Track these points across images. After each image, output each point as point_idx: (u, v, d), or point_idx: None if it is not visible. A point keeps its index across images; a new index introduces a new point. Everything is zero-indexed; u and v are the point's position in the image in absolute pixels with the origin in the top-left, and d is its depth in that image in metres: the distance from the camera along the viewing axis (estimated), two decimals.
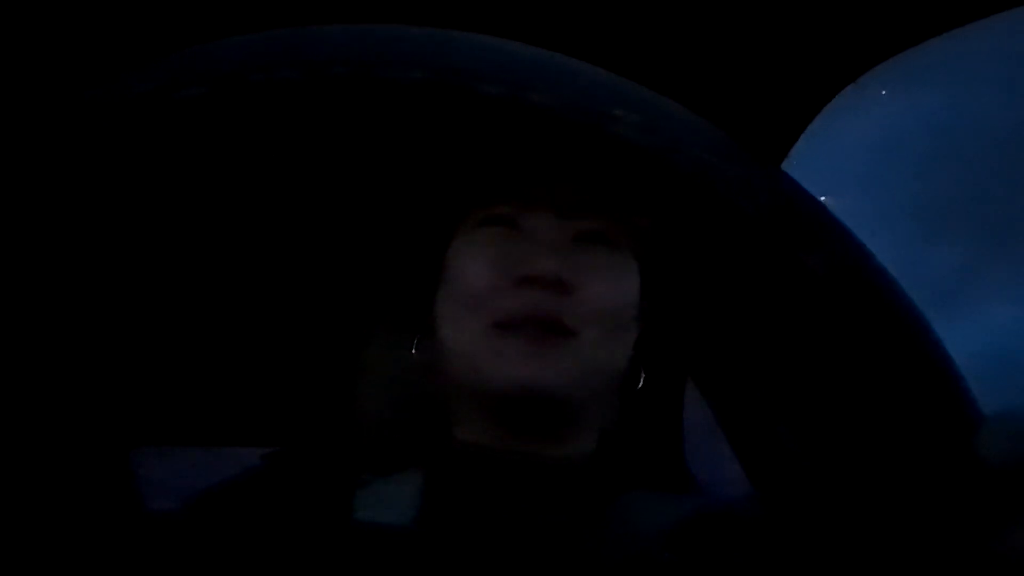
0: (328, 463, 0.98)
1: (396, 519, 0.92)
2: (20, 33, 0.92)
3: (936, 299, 0.94)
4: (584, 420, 0.98)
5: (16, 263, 0.89)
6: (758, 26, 1.08)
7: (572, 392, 0.94)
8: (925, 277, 0.95)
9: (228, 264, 1.13)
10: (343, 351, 1.12)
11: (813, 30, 1.08)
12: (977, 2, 1.08)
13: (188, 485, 0.98)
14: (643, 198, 0.99)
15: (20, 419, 0.94)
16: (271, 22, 0.88)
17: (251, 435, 1.19)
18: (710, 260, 1.04)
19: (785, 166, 1.13)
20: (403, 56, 0.85)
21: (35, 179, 0.85)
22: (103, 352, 1.05)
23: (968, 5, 1.08)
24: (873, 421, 0.91)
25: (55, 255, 0.91)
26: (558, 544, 0.90)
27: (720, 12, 1.10)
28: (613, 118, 0.90)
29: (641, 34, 1.09)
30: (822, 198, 0.99)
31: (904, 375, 0.91)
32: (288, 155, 0.99)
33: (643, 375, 1.02)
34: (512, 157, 0.97)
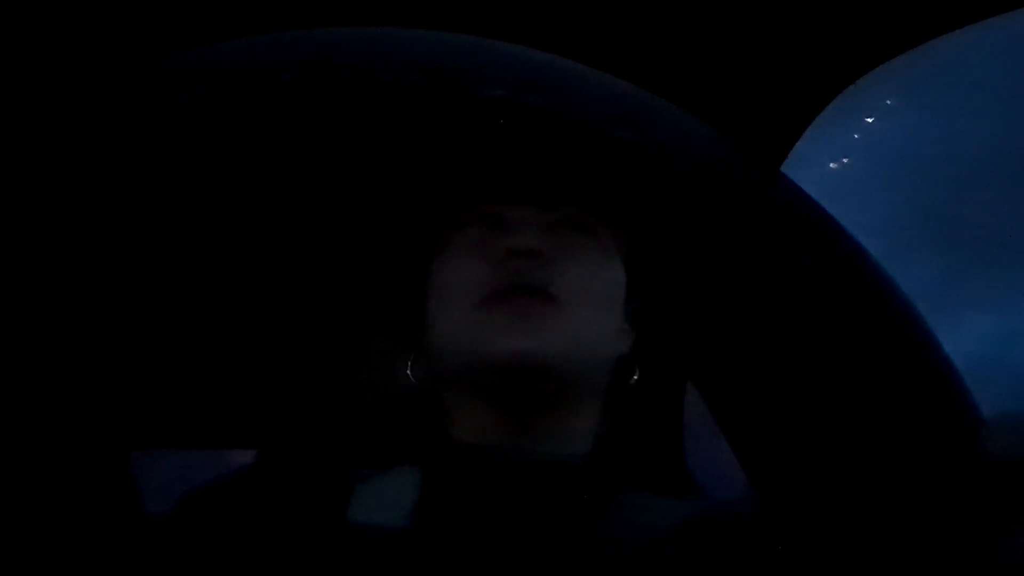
0: (325, 459, 0.98)
1: (393, 515, 0.93)
2: (21, 35, 0.92)
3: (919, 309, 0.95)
4: (576, 399, 0.99)
5: (16, 264, 0.89)
6: (758, 29, 1.08)
7: (561, 362, 0.96)
8: (907, 287, 0.96)
9: (226, 266, 1.14)
10: (341, 352, 1.13)
11: (813, 31, 1.08)
12: (979, 3, 1.08)
13: (187, 487, 0.98)
14: (640, 199, 0.99)
15: (19, 421, 0.94)
16: (270, 25, 0.88)
17: (251, 438, 1.19)
18: (710, 262, 1.04)
19: (784, 168, 1.13)
20: (401, 58, 0.86)
21: (37, 180, 0.86)
22: (102, 355, 1.06)
23: (970, 6, 1.08)
24: (872, 420, 0.91)
25: (55, 256, 0.92)
26: (556, 543, 0.90)
27: (724, 17, 1.10)
28: (614, 120, 0.91)
29: (643, 38, 1.09)
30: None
31: (902, 374, 0.92)
32: (289, 157, 0.99)
33: (637, 372, 1.03)
34: (495, 157, 0.98)
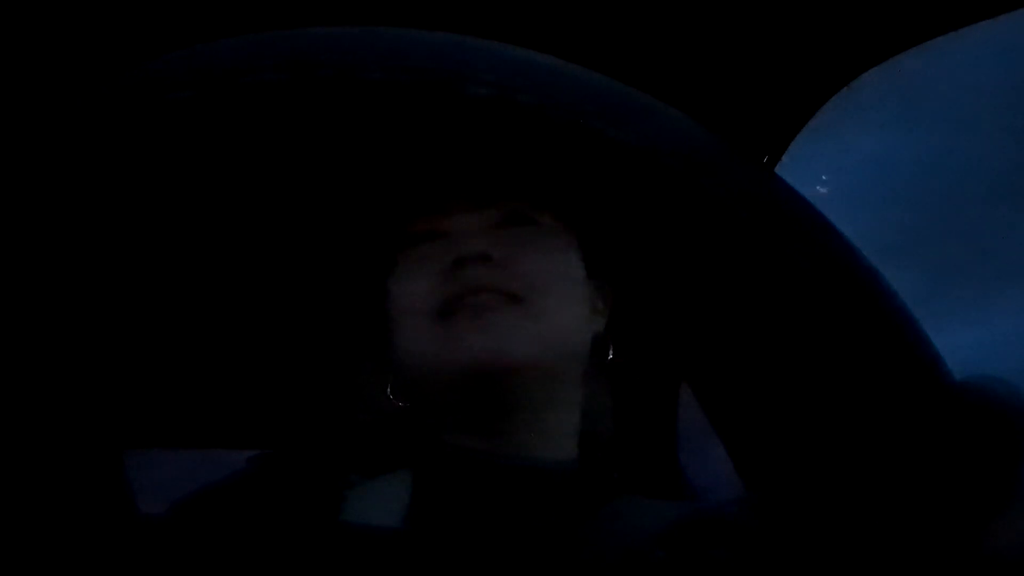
0: (316, 464, 0.98)
1: (385, 519, 0.92)
2: (10, 35, 0.93)
3: None
4: (552, 398, 0.98)
5: (10, 263, 0.89)
6: (754, 28, 1.08)
7: (528, 359, 0.95)
8: None
9: (218, 266, 1.14)
10: (334, 353, 1.13)
11: (810, 32, 1.08)
12: (977, 3, 1.08)
13: (180, 488, 0.98)
14: (631, 198, 0.99)
15: (12, 420, 0.94)
16: (258, 24, 0.88)
17: (243, 438, 1.20)
18: (703, 262, 1.04)
19: (779, 169, 1.13)
20: (390, 58, 0.86)
21: (26, 181, 0.85)
22: (96, 354, 1.06)
23: (967, 6, 1.08)
24: (865, 420, 0.91)
25: (45, 257, 0.92)
26: (547, 547, 0.90)
27: (720, 15, 1.10)
28: (607, 120, 0.91)
29: (638, 38, 1.09)
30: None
31: (896, 375, 0.91)
32: (277, 158, 0.99)
33: (611, 350, 1.03)
34: (427, 164, 0.98)
